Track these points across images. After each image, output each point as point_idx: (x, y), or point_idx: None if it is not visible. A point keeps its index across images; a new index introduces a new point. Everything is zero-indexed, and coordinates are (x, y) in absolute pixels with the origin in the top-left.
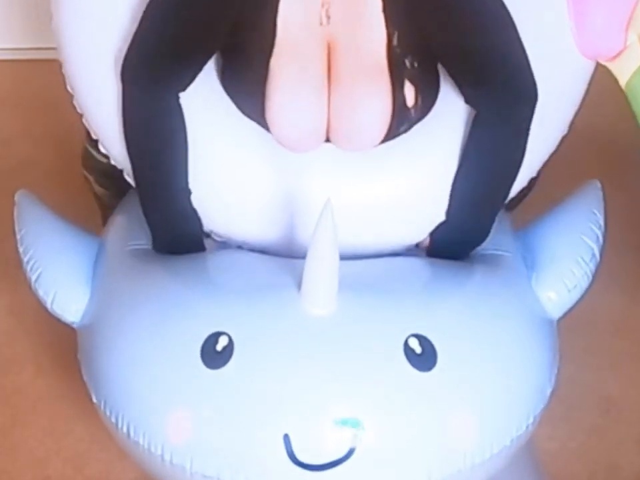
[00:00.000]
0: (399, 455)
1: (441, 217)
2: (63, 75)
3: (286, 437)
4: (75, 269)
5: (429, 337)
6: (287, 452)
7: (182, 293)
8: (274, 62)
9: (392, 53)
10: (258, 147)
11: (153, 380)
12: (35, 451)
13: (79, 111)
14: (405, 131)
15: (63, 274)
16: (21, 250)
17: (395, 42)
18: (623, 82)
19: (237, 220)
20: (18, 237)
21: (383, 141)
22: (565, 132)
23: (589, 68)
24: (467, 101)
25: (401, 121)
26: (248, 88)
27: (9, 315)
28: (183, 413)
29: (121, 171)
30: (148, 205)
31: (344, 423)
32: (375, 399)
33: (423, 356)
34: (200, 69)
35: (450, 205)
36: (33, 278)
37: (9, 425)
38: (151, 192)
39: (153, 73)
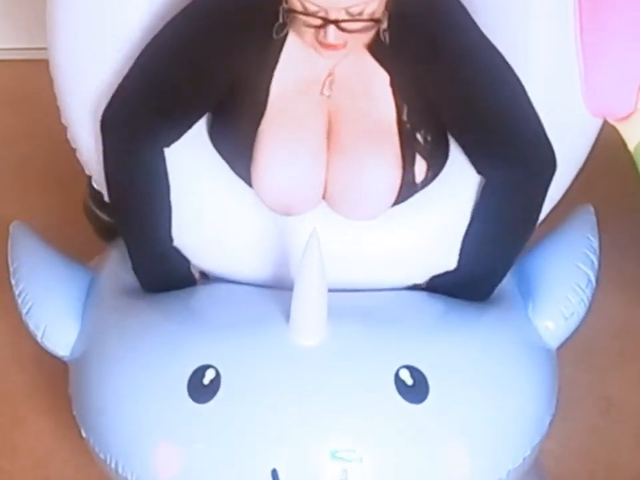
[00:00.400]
0: None
1: (440, 266)
2: None
3: (274, 472)
4: (65, 304)
5: (421, 368)
6: None
7: (169, 327)
8: (263, 126)
9: (402, 127)
10: (244, 185)
11: (139, 415)
12: (34, 451)
13: (72, 146)
14: (407, 199)
15: (53, 308)
16: (13, 282)
17: (404, 117)
18: (631, 146)
19: (225, 257)
20: (11, 269)
21: None
22: (567, 186)
23: (595, 129)
24: (478, 172)
25: (407, 194)
26: (236, 149)
27: (9, 315)
28: (170, 448)
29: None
30: (132, 251)
31: (333, 456)
32: (365, 432)
33: (414, 388)
34: (188, 128)
35: (460, 261)
36: (24, 311)
37: (9, 425)
38: (133, 240)
39: (136, 127)
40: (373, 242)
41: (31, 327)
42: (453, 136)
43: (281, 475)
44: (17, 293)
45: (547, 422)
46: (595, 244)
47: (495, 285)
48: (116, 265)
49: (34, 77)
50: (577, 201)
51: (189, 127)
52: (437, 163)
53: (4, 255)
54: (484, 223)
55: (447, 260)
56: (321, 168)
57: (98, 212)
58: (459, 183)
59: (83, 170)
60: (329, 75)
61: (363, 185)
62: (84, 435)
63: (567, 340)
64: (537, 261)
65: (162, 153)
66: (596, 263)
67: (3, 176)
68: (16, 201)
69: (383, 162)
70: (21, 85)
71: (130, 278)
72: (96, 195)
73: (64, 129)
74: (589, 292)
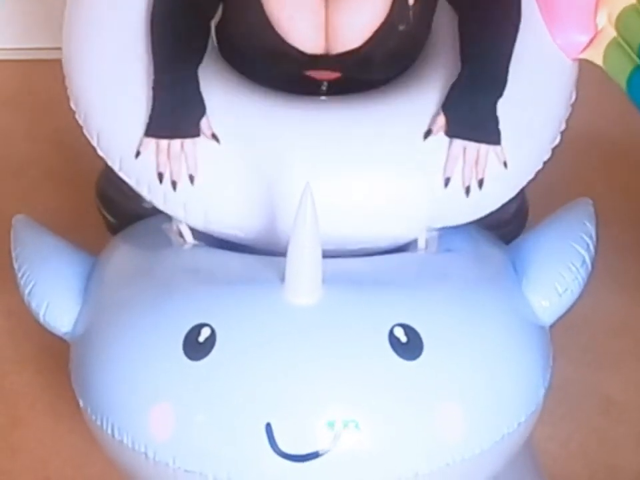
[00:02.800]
0: (384, 447)
1: (437, 218)
2: (63, 75)
3: (268, 426)
4: (66, 282)
5: (415, 326)
6: (269, 441)
7: (164, 290)
8: None
9: None
10: (238, 142)
11: (135, 377)
12: (34, 451)
13: (92, 143)
14: (403, 31)
15: (54, 287)
16: (16, 266)
17: None
18: (601, 62)
19: (220, 215)
20: (13, 254)
21: (385, 47)
22: (557, 141)
23: (573, 72)
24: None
25: (401, 16)
26: (249, 19)
27: (9, 316)
28: (164, 407)
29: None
30: (162, 76)
31: (327, 412)
32: (359, 388)
33: (408, 345)
34: None
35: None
36: (27, 291)
37: (9, 425)
38: (167, 61)
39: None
40: (357, 189)
41: (33, 305)
42: None
43: (275, 429)
44: (19, 275)
45: (541, 394)
46: (592, 231)
47: (495, 99)
48: (118, 252)
49: (34, 76)
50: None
51: None
52: (424, 11)
53: (5, 256)
54: (468, 38)
55: (443, 212)
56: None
57: (104, 212)
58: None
59: (83, 170)
60: None
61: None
62: (82, 405)
63: (567, 337)
64: (532, 240)
65: (207, 24)
66: (592, 248)
67: (3, 176)
68: (16, 201)
69: None
70: (21, 85)
71: (133, 262)
72: (103, 195)
73: (64, 129)
74: (583, 272)
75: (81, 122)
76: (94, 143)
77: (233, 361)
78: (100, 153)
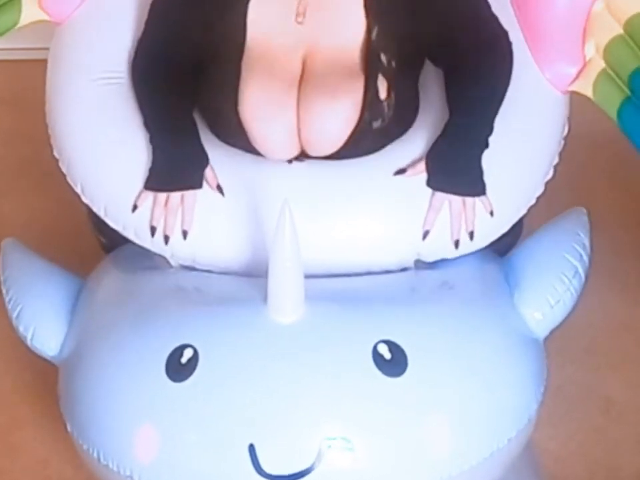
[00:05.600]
0: (369, 465)
1: (426, 253)
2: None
3: (251, 447)
4: (52, 307)
5: (400, 343)
6: (252, 462)
7: (147, 313)
8: (244, 65)
9: (369, 45)
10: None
11: (119, 400)
12: (34, 451)
13: (76, 190)
14: (379, 128)
15: (41, 311)
16: (4, 290)
17: (373, 36)
18: (591, 94)
19: (209, 257)
20: (2, 278)
21: (360, 148)
22: (550, 176)
23: (564, 105)
24: (435, 63)
25: (374, 114)
26: (220, 97)
27: (8, 316)
28: (148, 430)
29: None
30: (158, 126)
31: (311, 432)
32: (343, 407)
33: (392, 362)
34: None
35: (450, 114)
36: (14, 315)
37: (9, 425)
38: (163, 118)
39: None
40: (359, 231)
41: (21, 329)
42: (426, 54)
43: (258, 450)
44: (7, 299)
45: (534, 408)
46: (586, 241)
47: (480, 153)
48: (105, 275)
49: (34, 77)
50: (577, 201)
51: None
52: (401, 91)
53: None
54: (457, 87)
55: (432, 248)
56: (292, 107)
57: (96, 233)
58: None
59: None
60: (299, 3)
61: (331, 106)
62: (69, 429)
63: (567, 337)
64: (525, 252)
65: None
66: (585, 258)
67: (3, 176)
68: (16, 201)
69: (347, 85)
70: (21, 84)
71: (119, 285)
72: (94, 216)
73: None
74: (576, 283)
75: (64, 170)
76: (78, 191)
77: (216, 382)
78: (84, 200)
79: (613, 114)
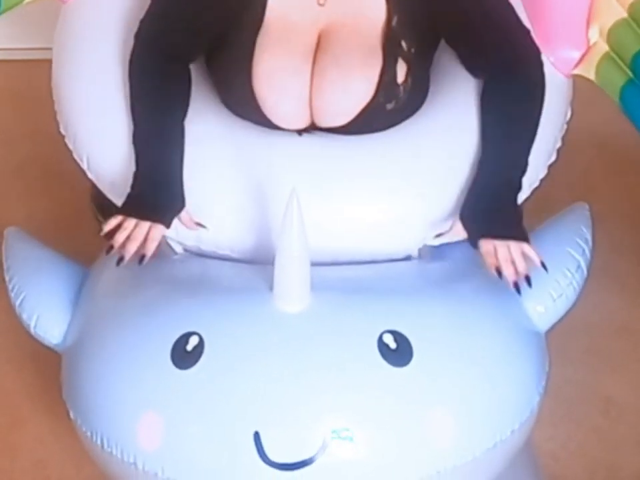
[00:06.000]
0: (373, 454)
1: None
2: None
3: (256, 434)
4: (56, 294)
5: (405, 333)
6: (257, 450)
7: (152, 300)
8: (260, 38)
9: (390, 31)
10: (227, 150)
11: (123, 387)
12: (34, 451)
13: (82, 166)
14: (393, 109)
15: (44, 299)
16: (7, 278)
17: (394, 23)
18: (593, 76)
19: (213, 236)
20: (5, 266)
21: (372, 125)
22: (553, 159)
23: (568, 89)
24: (472, 74)
25: (390, 96)
26: (235, 66)
27: (8, 316)
28: (153, 417)
29: None
30: (142, 161)
31: (316, 420)
32: (348, 396)
33: (397, 352)
34: (203, 43)
35: (477, 175)
36: (17, 302)
37: (9, 425)
38: (148, 150)
39: (161, 40)
40: (365, 212)
41: (24, 317)
42: (445, 37)
43: (263, 437)
44: (10, 287)
45: (536, 400)
46: (588, 235)
47: (514, 197)
48: (109, 263)
49: (34, 77)
50: (577, 201)
51: (205, 41)
52: (417, 76)
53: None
54: (490, 128)
55: (439, 223)
56: (305, 76)
57: (100, 218)
58: (452, 146)
59: (83, 170)
60: None
61: (344, 75)
62: (72, 416)
63: (568, 338)
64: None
65: (186, 67)
66: (587, 252)
67: (3, 176)
68: (16, 201)
69: (364, 58)
70: (21, 84)
71: (124, 272)
72: (97, 201)
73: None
74: (578, 277)
75: (70, 146)
76: (84, 167)
77: (221, 370)
78: (90, 176)
79: (616, 96)
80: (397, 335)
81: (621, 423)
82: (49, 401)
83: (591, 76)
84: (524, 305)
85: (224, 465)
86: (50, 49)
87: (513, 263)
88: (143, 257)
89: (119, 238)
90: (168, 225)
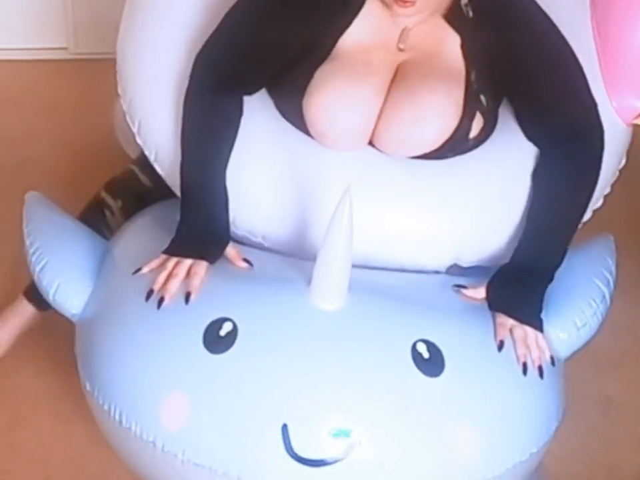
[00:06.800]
0: (396, 461)
1: (466, 253)
2: (63, 75)
3: (284, 427)
4: (80, 263)
5: (438, 344)
6: (284, 443)
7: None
8: (321, 68)
9: (469, 86)
10: (284, 145)
11: (150, 364)
12: (34, 451)
13: (133, 129)
14: (450, 157)
15: (67, 266)
16: (27, 243)
17: (472, 77)
18: None
19: (248, 221)
20: (25, 230)
21: (427, 158)
22: (599, 204)
23: (626, 137)
24: (529, 138)
25: (456, 149)
26: (291, 87)
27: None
28: (179, 398)
29: (154, 197)
30: (188, 200)
31: (345, 421)
32: (379, 399)
33: (430, 361)
34: (264, 79)
35: (515, 252)
36: (38, 268)
37: (9, 425)
38: (195, 185)
39: (221, 69)
40: (405, 223)
41: (44, 284)
42: (509, 99)
43: (291, 431)
44: (30, 251)
45: (554, 427)
46: (613, 267)
47: (544, 288)
48: (134, 237)
49: (34, 76)
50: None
51: (265, 78)
52: (487, 135)
53: (7, 251)
54: (538, 199)
55: (472, 248)
56: (373, 104)
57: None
58: (495, 169)
59: (83, 169)
60: (404, 29)
61: (418, 115)
62: (88, 388)
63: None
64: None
65: (240, 100)
66: (612, 283)
67: (3, 176)
68: (16, 201)
69: (443, 104)
70: (21, 84)
71: (145, 245)
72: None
73: (64, 128)
74: (602, 308)
75: (125, 107)
76: (134, 130)
77: (254, 358)
78: (138, 140)
79: None
80: (430, 345)
81: (620, 423)
82: (49, 401)
83: None
84: (547, 330)
85: (247, 454)
86: (51, 49)
87: (528, 347)
88: (188, 296)
89: (160, 279)
90: (213, 261)
